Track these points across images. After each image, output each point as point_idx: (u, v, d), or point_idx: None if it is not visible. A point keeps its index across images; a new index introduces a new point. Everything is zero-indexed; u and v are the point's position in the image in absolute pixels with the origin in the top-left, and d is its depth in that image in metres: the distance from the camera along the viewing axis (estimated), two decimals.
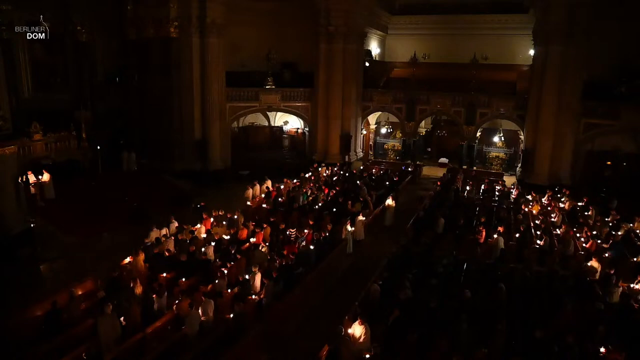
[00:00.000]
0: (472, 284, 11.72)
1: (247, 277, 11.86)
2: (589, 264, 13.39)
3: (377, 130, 32.48)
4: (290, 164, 27.17)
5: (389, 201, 18.81)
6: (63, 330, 9.60)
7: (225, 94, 25.51)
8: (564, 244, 15.22)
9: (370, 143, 32.07)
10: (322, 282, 13.04)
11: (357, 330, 8.81)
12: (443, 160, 30.06)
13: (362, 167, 26.73)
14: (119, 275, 11.75)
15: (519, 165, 26.66)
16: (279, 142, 30.69)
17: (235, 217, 16.47)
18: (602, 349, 9.04)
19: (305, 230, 15.29)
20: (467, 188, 22.68)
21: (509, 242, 15.27)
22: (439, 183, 23.21)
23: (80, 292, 11.31)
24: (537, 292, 11.75)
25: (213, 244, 13.72)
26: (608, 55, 22.98)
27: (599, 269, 13.15)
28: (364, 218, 16.98)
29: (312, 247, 13.69)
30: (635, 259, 14.30)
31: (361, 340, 8.79)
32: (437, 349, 8.82)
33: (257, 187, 20.32)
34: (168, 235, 14.60)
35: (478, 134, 27.67)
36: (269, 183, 21.03)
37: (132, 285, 11.02)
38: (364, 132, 30.66)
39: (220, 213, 16.71)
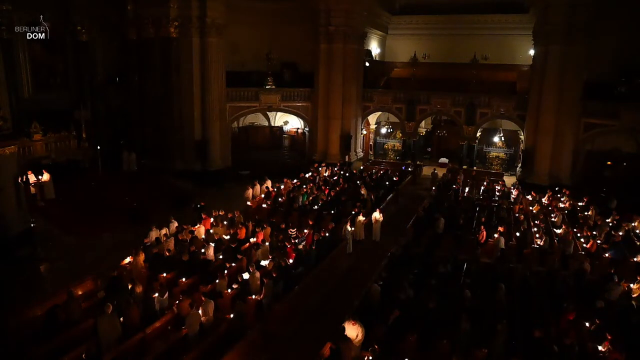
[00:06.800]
0: (472, 284, 11.74)
1: (246, 277, 11.87)
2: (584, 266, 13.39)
3: (377, 130, 32.49)
4: (290, 164, 27.16)
5: (376, 215, 17.04)
6: (63, 330, 9.59)
7: (225, 94, 25.49)
8: (564, 244, 15.22)
9: (370, 143, 32.06)
10: (322, 282, 13.04)
11: (351, 331, 8.80)
12: (443, 160, 30.05)
13: (362, 167, 26.71)
14: (119, 275, 11.75)
15: (519, 165, 26.67)
16: (279, 142, 30.71)
17: (235, 217, 16.46)
18: (603, 349, 9.03)
19: (305, 230, 15.29)
20: (467, 188, 22.67)
21: (509, 242, 15.28)
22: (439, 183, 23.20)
23: (80, 292, 11.33)
24: (537, 292, 11.76)
25: (213, 244, 13.72)
26: (608, 55, 23.00)
27: (588, 270, 13.17)
28: (364, 218, 16.98)
29: (312, 247, 13.69)
30: (635, 259, 14.31)
31: (357, 340, 8.79)
32: (437, 349, 8.82)
33: (257, 187, 20.31)
34: (168, 235, 14.61)
35: (478, 134, 27.67)
36: (269, 183, 21.02)
37: (130, 286, 11.02)
38: (364, 132, 30.66)
39: (220, 213, 16.70)
